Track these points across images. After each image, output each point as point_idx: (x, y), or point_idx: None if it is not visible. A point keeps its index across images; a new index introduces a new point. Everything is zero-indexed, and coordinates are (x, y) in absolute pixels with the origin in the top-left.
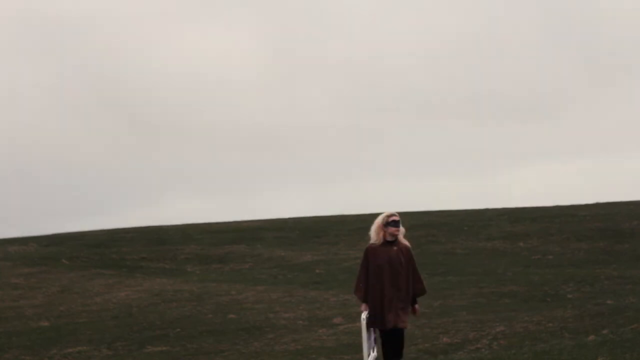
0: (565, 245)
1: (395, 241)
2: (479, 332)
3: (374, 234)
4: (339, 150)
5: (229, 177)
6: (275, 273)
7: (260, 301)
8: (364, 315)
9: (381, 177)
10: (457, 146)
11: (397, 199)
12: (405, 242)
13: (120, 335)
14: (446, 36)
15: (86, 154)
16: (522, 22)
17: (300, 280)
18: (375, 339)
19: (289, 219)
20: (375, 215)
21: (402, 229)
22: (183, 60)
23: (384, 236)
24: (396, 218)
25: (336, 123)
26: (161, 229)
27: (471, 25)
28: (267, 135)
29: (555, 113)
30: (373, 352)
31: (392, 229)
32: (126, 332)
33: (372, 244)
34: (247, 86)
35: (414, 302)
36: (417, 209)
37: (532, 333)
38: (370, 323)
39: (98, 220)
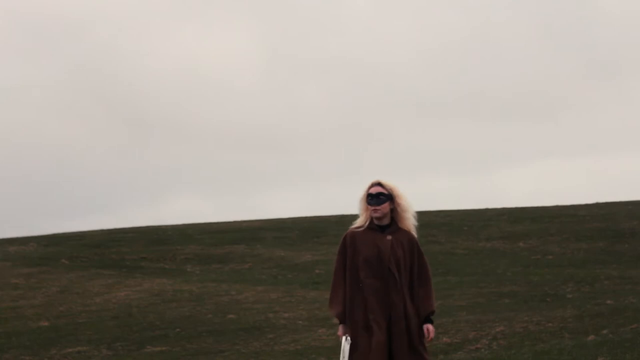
0: (565, 245)
1: (389, 225)
2: (479, 332)
3: (360, 212)
4: (339, 150)
5: (229, 177)
6: (275, 273)
7: (260, 301)
8: (344, 342)
9: (381, 177)
10: (457, 146)
11: None
12: (410, 228)
13: (120, 335)
14: (446, 36)
15: (86, 154)
16: (522, 23)
17: (300, 280)
18: None
19: (289, 219)
20: None
21: (403, 205)
22: (183, 60)
23: (370, 217)
24: (377, 189)
25: (336, 123)
26: (161, 229)
27: (471, 25)
28: (267, 135)
29: (555, 113)
30: None
31: (371, 209)
32: (126, 332)
33: (355, 227)
34: (247, 86)
35: (427, 319)
36: (416, 209)
37: (532, 333)
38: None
39: (98, 220)
